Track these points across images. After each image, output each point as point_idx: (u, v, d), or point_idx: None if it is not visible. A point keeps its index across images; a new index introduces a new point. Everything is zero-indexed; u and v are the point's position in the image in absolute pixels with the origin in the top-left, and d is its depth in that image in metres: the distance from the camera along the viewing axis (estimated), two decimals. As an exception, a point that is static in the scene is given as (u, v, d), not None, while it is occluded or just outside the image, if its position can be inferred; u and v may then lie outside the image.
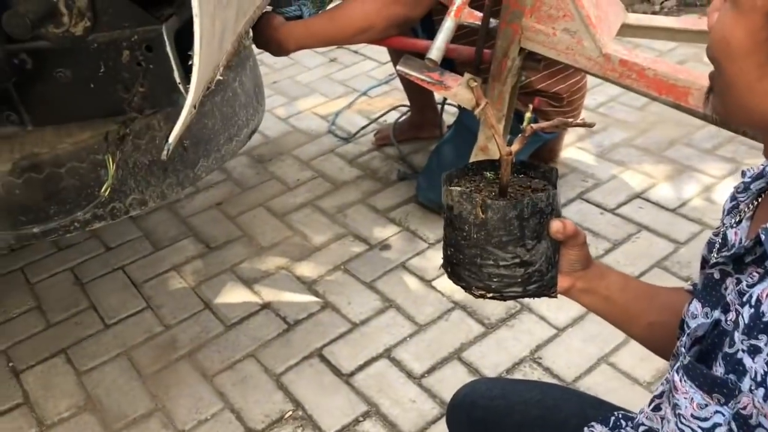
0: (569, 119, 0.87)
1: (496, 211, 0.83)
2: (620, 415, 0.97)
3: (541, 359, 1.80)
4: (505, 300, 0.90)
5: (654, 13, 3.47)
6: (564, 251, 0.90)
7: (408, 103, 2.73)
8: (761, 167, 0.81)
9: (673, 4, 3.57)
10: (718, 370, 0.63)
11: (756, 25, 0.59)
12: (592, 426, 0.96)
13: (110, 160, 1.30)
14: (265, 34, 1.92)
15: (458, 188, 0.88)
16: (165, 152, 1.07)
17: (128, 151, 1.37)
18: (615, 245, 2.13)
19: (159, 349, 1.95)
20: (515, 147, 0.85)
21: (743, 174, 0.85)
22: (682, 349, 0.69)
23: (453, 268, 0.90)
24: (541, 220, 0.85)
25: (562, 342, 1.83)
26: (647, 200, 2.30)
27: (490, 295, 0.88)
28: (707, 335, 0.67)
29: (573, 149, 2.58)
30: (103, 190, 1.29)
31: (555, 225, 0.86)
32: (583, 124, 0.94)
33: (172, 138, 1.06)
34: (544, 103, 2.18)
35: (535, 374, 1.76)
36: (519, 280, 0.86)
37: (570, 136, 2.62)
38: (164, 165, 1.45)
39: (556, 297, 0.93)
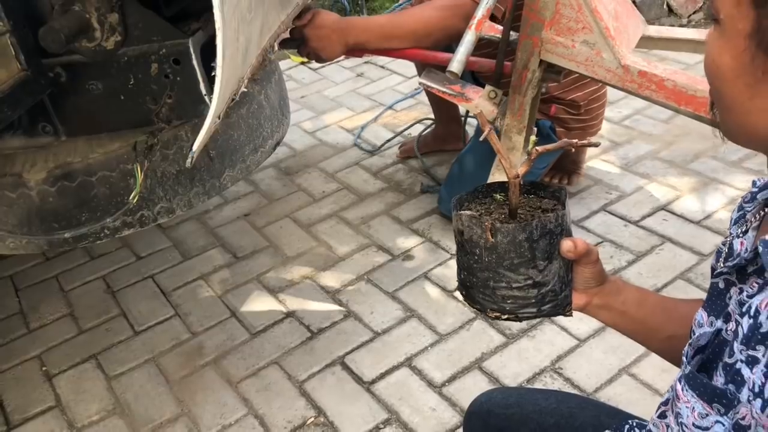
0: (574, 140, 0.88)
1: (505, 234, 0.84)
2: (634, 424, 0.97)
3: (561, 370, 1.80)
4: (520, 321, 0.91)
5: (681, 26, 3.46)
6: (577, 269, 0.91)
7: (433, 115, 2.76)
8: None
9: (701, 18, 3.56)
10: (719, 380, 0.64)
11: (739, 48, 0.61)
12: (607, 434, 0.97)
13: (138, 169, 1.35)
14: (320, 30, 1.92)
15: (467, 212, 0.89)
16: (189, 160, 1.11)
17: (156, 160, 1.42)
18: (638, 257, 2.13)
19: (186, 355, 1.99)
20: (522, 170, 0.87)
21: (754, 183, 0.85)
22: (684, 359, 0.70)
23: (467, 291, 0.91)
24: (552, 240, 0.86)
25: (583, 353, 1.83)
26: (671, 212, 2.29)
27: (505, 316, 0.89)
28: (709, 345, 0.68)
29: (598, 161, 2.59)
30: (131, 197, 1.34)
31: (566, 244, 0.87)
32: (588, 144, 0.95)
33: (195, 146, 1.10)
34: (561, 110, 2.19)
35: (555, 384, 1.76)
36: (533, 300, 0.87)
37: (594, 148, 2.62)
38: (191, 174, 1.50)
39: (571, 315, 0.94)
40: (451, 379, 1.81)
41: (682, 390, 0.68)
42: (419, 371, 1.85)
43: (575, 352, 1.84)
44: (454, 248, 2.24)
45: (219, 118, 1.20)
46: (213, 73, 1.06)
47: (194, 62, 1.26)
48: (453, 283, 2.11)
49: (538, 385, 1.76)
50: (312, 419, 1.76)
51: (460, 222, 0.88)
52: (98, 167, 1.41)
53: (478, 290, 0.89)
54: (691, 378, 0.67)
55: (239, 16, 1.18)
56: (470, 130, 2.71)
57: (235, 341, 2.01)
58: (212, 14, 1.06)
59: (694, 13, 3.55)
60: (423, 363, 1.87)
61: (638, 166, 2.54)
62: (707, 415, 0.64)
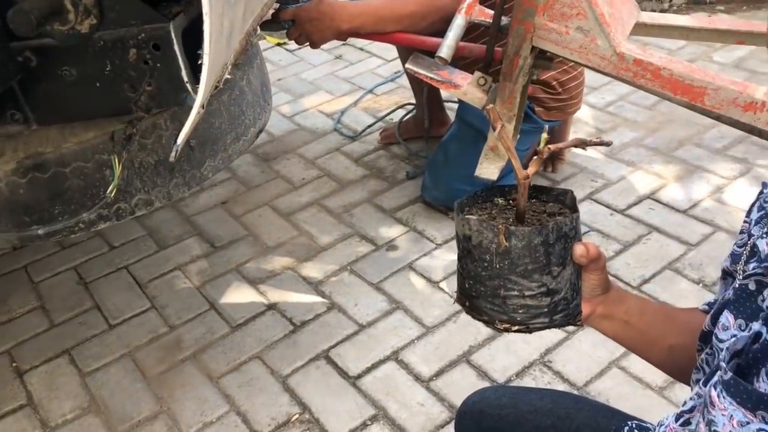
0: (586, 138, 0.85)
1: (520, 238, 0.79)
2: (634, 425, 0.95)
3: (551, 363, 1.77)
4: (531, 332, 0.85)
5: (663, 11, 3.44)
6: (585, 276, 0.87)
7: (414, 100, 2.70)
8: None
9: (682, 2, 3.54)
10: (762, 386, 0.61)
11: None
12: (605, 436, 0.95)
13: (116, 160, 1.27)
14: (313, 13, 1.86)
15: (475, 217, 0.84)
16: (174, 153, 1.04)
17: (134, 151, 1.34)
18: (625, 247, 2.11)
19: (164, 350, 1.92)
20: (532, 170, 0.82)
21: (765, 185, 0.82)
22: (722, 364, 0.66)
23: (472, 301, 0.85)
24: (566, 244, 0.81)
25: (572, 345, 1.81)
26: (658, 201, 2.27)
27: (516, 328, 0.84)
28: (746, 349, 0.65)
29: (582, 149, 2.55)
30: (108, 191, 1.27)
31: (579, 249, 0.83)
32: (601, 143, 0.91)
33: (180, 139, 1.03)
34: (538, 90, 2.15)
35: (545, 378, 1.73)
36: (545, 310, 0.83)
37: (578, 134, 2.59)
38: (171, 165, 1.43)
39: (582, 326, 0.90)
40: (439, 373, 1.78)
41: (719, 397, 0.64)
42: (406, 365, 1.81)
43: (564, 345, 1.81)
44: (438, 238, 2.22)
45: (203, 108, 1.13)
46: (199, 61, 0.99)
47: (175, 48, 1.19)
48: (438, 273, 2.07)
49: (527, 379, 1.74)
50: (296, 416, 1.71)
51: (468, 227, 0.82)
52: (72, 158, 1.34)
53: (486, 300, 0.83)
54: (732, 384, 0.64)
55: (223, 0, 1.10)
56: (452, 115, 2.65)
57: (215, 335, 1.95)
58: (195, -4, 0.99)
59: (675, -3, 3.53)
60: (410, 356, 1.83)
61: (623, 153, 2.52)
62: (749, 422, 0.61)
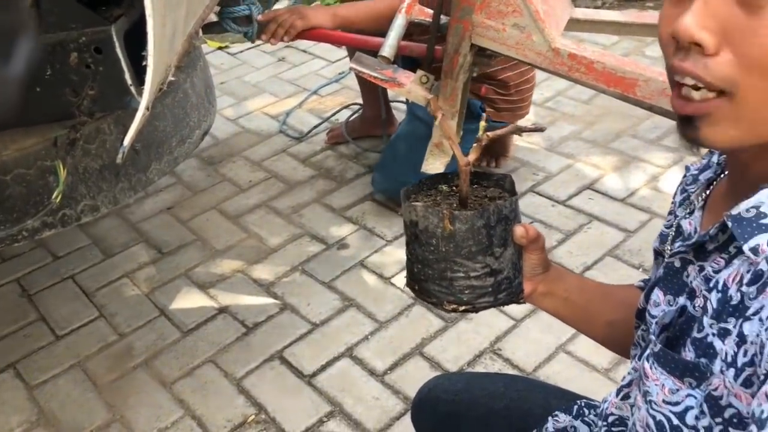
0: (524, 126, 0.90)
1: (463, 221, 0.82)
2: (583, 404, 0.99)
3: (501, 351, 1.82)
4: (477, 311, 0.89)
5: (596, 7, 3.55)
6: (526, 256, 0.91)
7: (360, 100, 2.73)
8: (705, 160, 0.83)
9: (614, 0, 3.67)
10: (688, 355, 0.65)
11: None
12: (557, 415, 0.98)
13: (61, 166, 1.26)
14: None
15: (421, 203, 0.87)
16: (120, 156, 1.04)
17: (78, 156, 1.33)
18: (567, 236, 2.17)
19: (114, 358, 1.90)
20: (472, 157, 0.86)
21: (687, 169, 0.87)
22: (652, 337, 0.70)
23: (421, 284, 0.89)
24: (507, 226, 0.85)
25: (520, 333, 1.86)
26: (597, 191, 2.35)
27: (463, 308, 0.87)
28: (673, 322, 0.69)
29: (523, 143, 2.62)
30: (54, 197, 1.25)
31: (519, 230, 0.87)
32: (535, 129, 0.95)
33: (127, 140, 1.03)
34: (491, 91, 2.21)
35: (495, 366, 1.78)
36: (489, 289, 0.86)
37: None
38: (116, 169, 1.41)
39: (524, 303, 0.94)
40: (393, 366, 1.80)
41: (651, 368, 0.68)
42: (360, 361, 1.83)
43: (513, 333, 1.86)
44: (388, 234, 2.24)
45: (148, 110, 1.12)
46: (144, 63, 0.99)
47: (118, 51, 1.18)
48: (390, 270, 2.09)
49: (478, 368, 1.78)
50: (252, 417, 1.71)
51: (414, 213, 0.86)
52: (13, 165, 1.31)
53: (434, 282, 0.87)
54: (662, 355, 0.67)
55: (165, 1, 1.11)
56: (398, 115, 2.69)
57: (167, 340, 1.94)
58: (136, -1, 0.99)
59: (607, -5, 3.65)
60: (364, 352, 1.85)
61: (563, 146, 2.60)
62: (678, 389, 0.65)
